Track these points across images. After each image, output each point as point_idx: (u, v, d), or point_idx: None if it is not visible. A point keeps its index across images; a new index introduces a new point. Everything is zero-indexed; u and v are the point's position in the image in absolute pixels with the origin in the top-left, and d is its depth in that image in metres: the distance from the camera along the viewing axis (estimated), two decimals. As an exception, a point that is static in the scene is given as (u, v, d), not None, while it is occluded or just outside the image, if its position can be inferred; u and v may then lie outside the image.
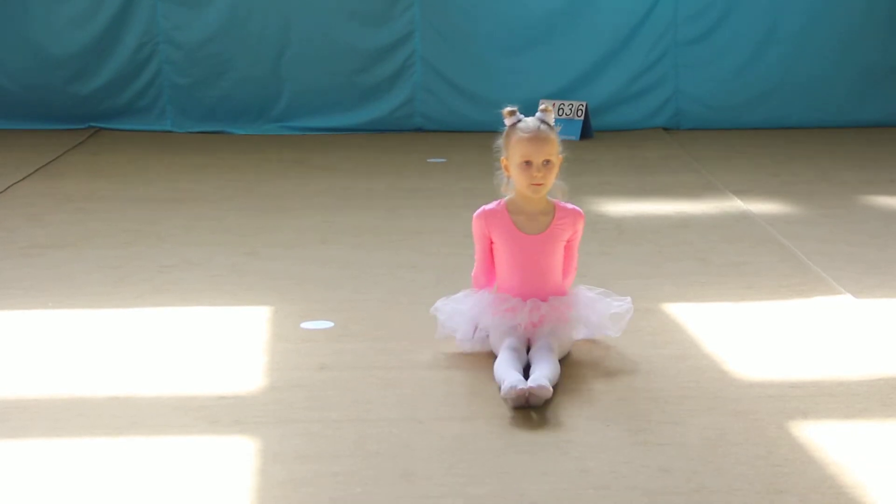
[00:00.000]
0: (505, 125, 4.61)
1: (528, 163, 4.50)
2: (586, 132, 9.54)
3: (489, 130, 9.82)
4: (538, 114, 4.60)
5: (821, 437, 3.85)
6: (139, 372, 4.45)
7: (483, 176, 8.20)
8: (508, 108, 4.59)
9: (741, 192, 7.55)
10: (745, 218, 6.93)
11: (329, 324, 5.01)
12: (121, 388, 4.28)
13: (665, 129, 10.03)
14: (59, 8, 9.92)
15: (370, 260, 6.05)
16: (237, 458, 3.73)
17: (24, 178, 8.01)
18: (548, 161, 4.51)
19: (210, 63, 10.01)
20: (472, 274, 4.76)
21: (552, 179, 4.55)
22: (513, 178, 4.58)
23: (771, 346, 4.72)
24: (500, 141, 4.62)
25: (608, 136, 9.72)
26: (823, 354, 4.62)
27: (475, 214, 4.67)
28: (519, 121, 4.59)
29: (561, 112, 9.63)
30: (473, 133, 9.89)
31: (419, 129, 10.08)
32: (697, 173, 8.25)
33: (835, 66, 10.08)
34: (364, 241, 6.44)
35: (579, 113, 9.55)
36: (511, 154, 4.54)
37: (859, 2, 10.03)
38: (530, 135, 4.51)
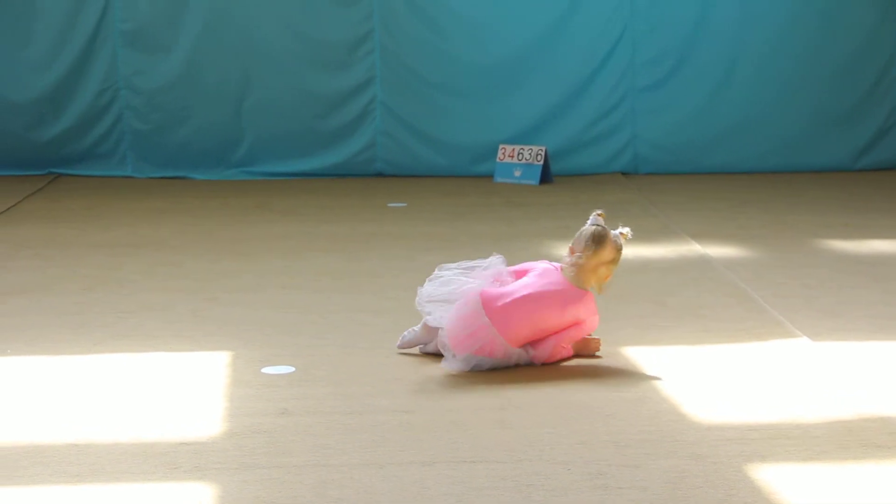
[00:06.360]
0: (599, 223, 5.14)
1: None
2: (546, 177, 9.61)
3: (449, 175, 10.07)
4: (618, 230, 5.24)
5: (779, 479, 3.88)
6: (99, 418, 4.43)
7: (443, 220, 8.27)
8: (601, 212, 5.20)
9: (698, 236, 7.61)
10: (702, 262, 6.99)
11: (290, 369, 5.01)
12: (80, 435, 4.26)
13: (623, 173, 10.11)
14: (18, 54, 9.90)
15: (331, 304, 6.05)
16: (197, 504, 3.72)
17: (-18, 224, 7.99)
18: None
19: (171, 109, 10.01)
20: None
21: None
22: (600, 275, 5.15)
23: (729, 389, 4.76)
24: (597, 237, 5.10)
25: (567, 180, 9.79)
26: (781, 397, 4.66)
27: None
28: (613, 233, 5.16)
29: (520, 157, 9.69)
30: (434, 178, 9.96)
31: (380, 174, 10.11)
32: (655, 217, 8.32)
33: (788, 112, 10.21)
34: (325, 286, 6.45)
35: (539, 158, 9.62)
36: (610, 258, 5.14)
37: (810, 48, 10.17)
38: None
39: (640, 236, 7.71)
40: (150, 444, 4.17)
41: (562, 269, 5.18)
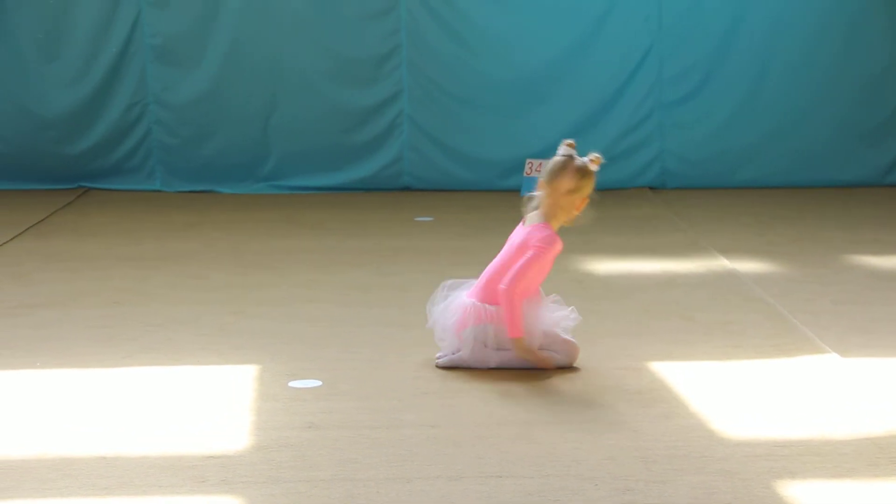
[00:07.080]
0: (564, 153, 5.02)
1: (586, 198, 5.11)
2: (573, 191, 9.59)
3: (476, 189, 10.08)
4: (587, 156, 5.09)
5: (808, 496, 3.86)
6: (127, 432, 4.44)
7: (470, 234, 8.27)
8: (570, 141, 5.04)
9: (727, 252, 7.59)
10: (730, 277, 6.97)
11: (317, 382, 5.01)
12: (109, 448, 4.27)
13: (651, 188, 10.09)
14: (48, 69, 9.96)
15: (358, 318, 6.06)
16: (225, 518, 3.73)
17: (12, 238, 8.03)
18: None
19: (199, 123, 10.06)
20: (519, 288, 5.06)
21: None
22: (564, 206, 5.07)
23: (757, 404, 4.74)
24: (555, 167, 5.02)
25: (594, 195, 9.74)
26: (810, 414, 4.63)
27: (557, 240, 5.11)
28: (578, 159, 5.01)
29: (547, 171, 9.69)
30: (460, 192, 9.97)
31: (407, 188, 10.13)
32: (683, 232, 8.30)
33: (816, 127, 10.16)
34: (352, 300, 6.45)
35: (566, 172, 9.61)
36: (569, 186, 5.04)
37: (838, 62, 10.13)
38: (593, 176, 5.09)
39: (668, 251, 7.72)
40: (177, 458, 4.19)
41: (524, 222, 5.22)
